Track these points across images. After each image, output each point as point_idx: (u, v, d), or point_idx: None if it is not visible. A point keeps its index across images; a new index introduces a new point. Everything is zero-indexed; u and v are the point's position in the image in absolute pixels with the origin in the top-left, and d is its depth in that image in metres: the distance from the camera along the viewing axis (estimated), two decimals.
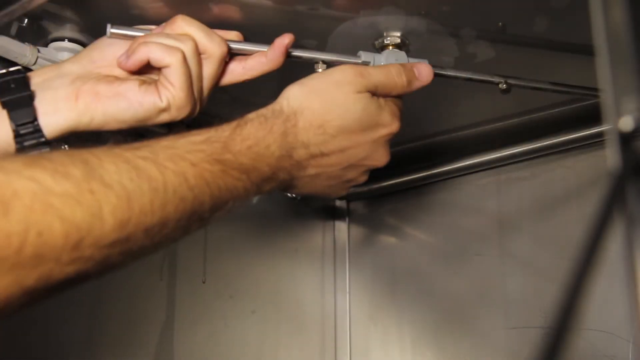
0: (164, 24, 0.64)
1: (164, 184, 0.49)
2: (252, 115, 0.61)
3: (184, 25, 0.63)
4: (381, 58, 0.69)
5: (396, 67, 0.66)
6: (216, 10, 0.68)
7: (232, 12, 0.69)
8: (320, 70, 0.66)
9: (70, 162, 0.44)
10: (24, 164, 0.42)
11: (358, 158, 0.65)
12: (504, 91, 0.72)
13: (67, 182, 0.42)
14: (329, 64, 0.67)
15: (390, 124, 0.67)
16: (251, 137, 0.58)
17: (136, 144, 0.51)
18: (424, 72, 0.68)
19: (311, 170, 0.63)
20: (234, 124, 0.59)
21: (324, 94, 0.63)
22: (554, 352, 0.27)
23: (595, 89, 0.81)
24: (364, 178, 0.69)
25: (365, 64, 0.68)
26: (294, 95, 0.63)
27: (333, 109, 0.63)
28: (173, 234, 0.50)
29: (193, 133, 0.56)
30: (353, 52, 0.74)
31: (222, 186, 0.54)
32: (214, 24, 0.65)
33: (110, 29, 0.61)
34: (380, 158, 0.68)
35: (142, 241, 0.47)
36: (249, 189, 0.57)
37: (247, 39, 0.69)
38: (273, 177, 0.60)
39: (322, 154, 0.63)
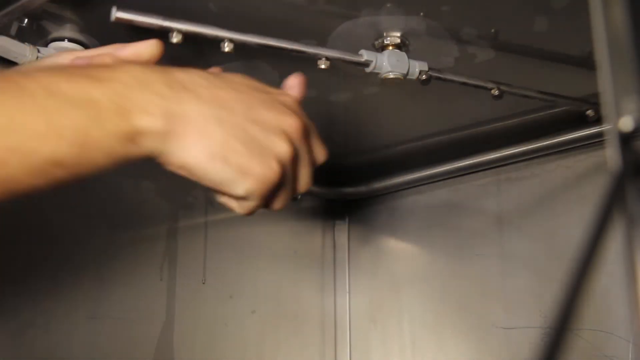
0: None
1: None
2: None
3: None
4: (383, 57, 0.69)
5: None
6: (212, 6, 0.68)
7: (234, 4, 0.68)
8: (323, 66, 0.65)
9: None
10: None
11: (261, 106, 0.47)
12: (497, 97, 0.73)
13: None
14: (332, 60, 0.67)
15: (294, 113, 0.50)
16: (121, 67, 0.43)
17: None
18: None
19: (205, 96, 0.44)
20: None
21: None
22: (554, 352, 0.27)
23: (581, 99, 0.82)
24: (286, 147, 0.47)
25: (368, 63, 0.68)
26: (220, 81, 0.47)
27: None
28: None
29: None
30: (352, 52, 0.74)
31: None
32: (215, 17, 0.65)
33: (116, 14, 0.60)
34: (294, 123, 0.48)
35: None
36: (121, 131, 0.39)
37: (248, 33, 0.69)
38: (147, 110, 0.41)
39: (209, 81, 0.45)
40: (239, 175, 0.44)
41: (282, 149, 0.46)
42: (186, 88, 0.43)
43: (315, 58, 0.67)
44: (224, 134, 0.43)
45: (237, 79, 0.49)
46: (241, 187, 0.44)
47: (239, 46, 0.65)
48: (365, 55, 0.68)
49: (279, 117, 0.47)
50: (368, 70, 0.71)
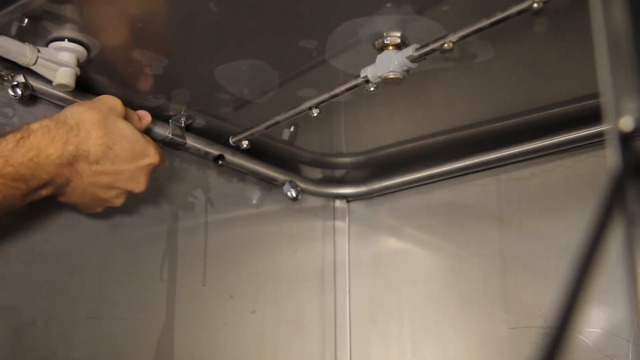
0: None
1: None
2: (35, 126, 0.67)
3: None
4: (373, 67, 0.72)
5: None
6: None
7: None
8: (315, 114, 0.79)
9: None
10: None
11: (124, 179, 0.75)
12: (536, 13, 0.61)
13: None
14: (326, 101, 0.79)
15: (154, 156, 0.77)
16: (33, 148, 0.66)
17: None
18: (144, 114, 0.83)
19: (86, 180, 0.71)
20: (18, 135, 0.66)
21: (101, 111, 0.72)
22: (554, 352, 0.27)
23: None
24: (120, 201, 0.79)
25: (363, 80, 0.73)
26: (76, 110, 0.71)
27: (109, 126, 0.72)
28: None
29: None
30: (353, 52, 0.74)
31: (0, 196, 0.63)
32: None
33: None
34: (139, 185, 0.77)
35: None
36: (26, 194, 0.66)
37: (247, 37, 0.69)
38: (51, 182, 0.68)
39: (99, 166, 0.71)
40: (85, 208, 0.79)
41: (114, 203, 0.80)
42: (79, 173, 0.72)
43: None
44: (84, 198, 0.75)
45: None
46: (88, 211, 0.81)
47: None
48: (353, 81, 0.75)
49: (128, 186, 0.78)
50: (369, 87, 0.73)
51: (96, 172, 0.72)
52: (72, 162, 0.69)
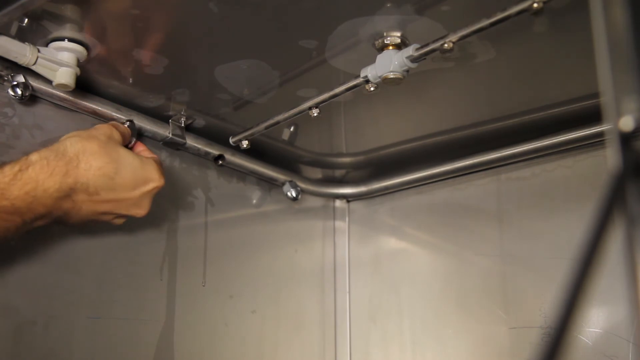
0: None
1: None
2: (34, 157, 0.66)
3: None
4: (373, 67, 0.72)
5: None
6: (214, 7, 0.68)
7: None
8: (315, 114, 0.78)
9: None
10: None
11: (126, 206, 0.74)
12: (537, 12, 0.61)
13: None
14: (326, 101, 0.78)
15: (159, 179, 0.76)
16: (31, 181, 0.64)
17: None
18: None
19: (85, 210, 0.70)
20: (16, 167, 0.64)
21: (100, 140, 0.71)
22: (554, 352, 0.27)
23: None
24: (120, 222, 0.78)
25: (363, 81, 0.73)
26: (75, 140, 0.70)
27: (110, 154, 0.71)
28: None
29: None
30: (353, 52, 0.74)
31: None
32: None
33: None
34: (142, 210, 0.76)
35: None
36: (20, 227, 0.64)
37: (247, 37, 0.69)
38: (47, 215, 0.67)
39: (99, 196, 0.70)
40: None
41: (113, 223, 0.79)
42: (77, 206, 0.71)
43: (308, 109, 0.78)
44: (83, 221, 0.73)
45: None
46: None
47: None
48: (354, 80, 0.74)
49: (130, 212, 0.77)
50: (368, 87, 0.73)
51: (96, 201, 0.70)
52: (70, 194, 0.67)
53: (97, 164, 0.69)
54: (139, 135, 0.87)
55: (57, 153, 0.67)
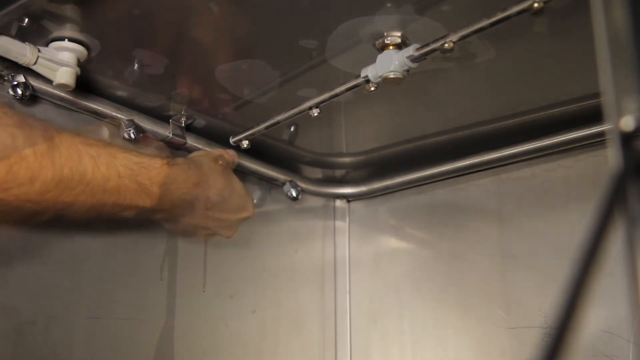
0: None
1: (90, 179, 0.64)
2: (180, 160, 0.77)
3: None
4: (374, 67, 0.72)
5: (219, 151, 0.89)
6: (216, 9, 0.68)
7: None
8: (315, 114, 0.79)
9: (41, 135, 0.60)
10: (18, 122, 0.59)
11: (223, 226, 0.84)
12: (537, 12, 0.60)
13: (31, 150, 0.59)
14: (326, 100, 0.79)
15: (251, 210, 0.86)
16: (171, 177, 0.73)
17: (91, 141, 0.66)
18: (232, 153, 0.91)
19: (195, 220, 0.80)
20: (165, 160, 0.74)
21: (222, 166, 0.82)
22: (554, 352, 0.27)
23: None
24: (208, 239, 0.90)
25: (363, 80, 0.74)
26: (207, 160, 0.82)
27: (228, 179, 0.82)
28: (72, 214, 0.65)
29: (134, 153, 0.71)
30: (353, 52, 0.74)
31: (128, 199, 0.69)
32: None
33: None
34: (231, 233, 0.87)
35: (48, 208, 0.63)
36: (146, 210, 0.72)
37: (247, 37, 0.68)
38: (168, 210, 0.75)
39: (211, 212, 0.80)
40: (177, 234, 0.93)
41: (200, 238, 0.94)
42: (193, 214, 0.80)
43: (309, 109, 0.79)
44: (182, 231, 0.87)
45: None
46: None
47: None
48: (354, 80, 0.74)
49: (221, 232, 0.88)
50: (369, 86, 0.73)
51: (207, 216, 0.80)
52: (192, 202, 0.77)
53: (220, 185, 0.80)
54: (143, 134, 0.87)
55: (195, 165, 0.78)
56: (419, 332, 1.09)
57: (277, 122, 0.85)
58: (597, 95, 0.75)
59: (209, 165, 0.80)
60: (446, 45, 0.66)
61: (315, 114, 0.79)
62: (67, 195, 0.63)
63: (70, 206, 0.64)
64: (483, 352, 1.01)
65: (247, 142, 0.92)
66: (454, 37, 0.65)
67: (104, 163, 0.66)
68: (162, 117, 0.90)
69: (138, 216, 0.73)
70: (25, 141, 0.59)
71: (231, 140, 0.93)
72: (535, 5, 0.59)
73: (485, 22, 0.63)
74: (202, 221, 0.81)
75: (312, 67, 0.78)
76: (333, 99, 0.78)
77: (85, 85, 0.81)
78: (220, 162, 0.84)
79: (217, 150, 0.88)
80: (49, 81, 0.74)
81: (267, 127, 0.87)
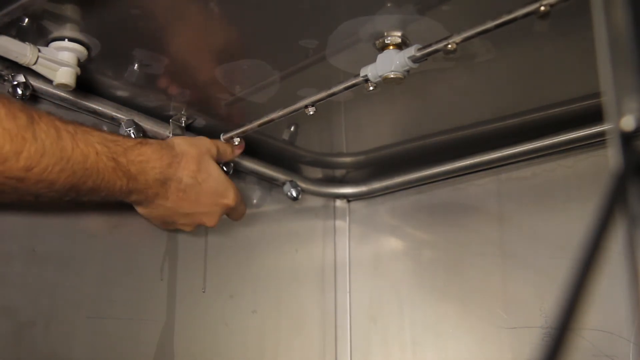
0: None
1: (70, 156, 0.66)
2: (152, 140, 0.79)
3: None
4: (374, 66, 0.72)
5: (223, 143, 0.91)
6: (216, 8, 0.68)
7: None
8: (311, 113, 0.80)
9: (21, 110, 0.62)
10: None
11: (201, 212, 0.85)
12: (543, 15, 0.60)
13: (12, 123, 0.60)
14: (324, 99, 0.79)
15: (232, 199, 0.87)
16: (145, 154, 0.76)
17: (67, 120, 0.68)
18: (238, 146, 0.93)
19: (169, 203, 0.81)
20: (138, 140, 0.77)
21: (200, 150, 0.83)
22: (555, 352, 0.27)
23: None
24: (189, 229, 0.89)
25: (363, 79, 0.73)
26: (182, 142, 0.82)
27: (202, 163, 0.83)
28: (52, 194, 0.67)
29: (107, 132, 0.74)
30: (353, 51, 0.74)
31: (107, 178, 0.70)
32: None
33: None
34: (211, 221, 0.87)
35: (31, 187, 0.64)
36: (122, 191, 0.74)
37: (248, 38, 0.68)
38: (143, 191, 0.77)
39: (185, 194, 0.81)
40: (159, 226, 0.90)
41: (184, 229, 0.92)
42: (167, 194, 0.81)
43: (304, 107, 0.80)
44: (161, 218, 0.85)
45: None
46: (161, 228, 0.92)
47: None
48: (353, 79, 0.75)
49: (202, 220, 0.89)
50: (369, 86, 0.73)
51: (181, 198, 0.81)
52: (166, 182, 0.78)
53: (192, 167, 0.81)
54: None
55: (167, 146, 0.80)
56: (419, 332, 1.09)
57: (271, 120, 0.84)
58: (597, 95, 0.75)
59: (181, 148, 0.81)
60: (449, 46, 0.66)
61: (311, 112, 0.79)
62: (50, 173, 0.64)
63: (52, 185, 0.65)
64: (483, 352, 1.01)
65: (238, 139, 0.92)
66: (457, 39, 0.65)
67: (81, 140, 0.68)
68: (162, 117, 0.90)
69: (113, 198, 0.74)
70: (7, 114, 0.60)
71: (222, 138, 0.92)
72: (542, 8, 0.59)
73: (490, 24, 0.63)
74: (177, 205, 0.81)
75: (313, 67, 0.78)
76: (333, 99, 0.78)
77: (85, 85, 0.81)
78: (212, 150, 0.86)
79: (211, 140, 0.88)
80: (49, 81, 0.74)
81: (260, 125, 0.86)
